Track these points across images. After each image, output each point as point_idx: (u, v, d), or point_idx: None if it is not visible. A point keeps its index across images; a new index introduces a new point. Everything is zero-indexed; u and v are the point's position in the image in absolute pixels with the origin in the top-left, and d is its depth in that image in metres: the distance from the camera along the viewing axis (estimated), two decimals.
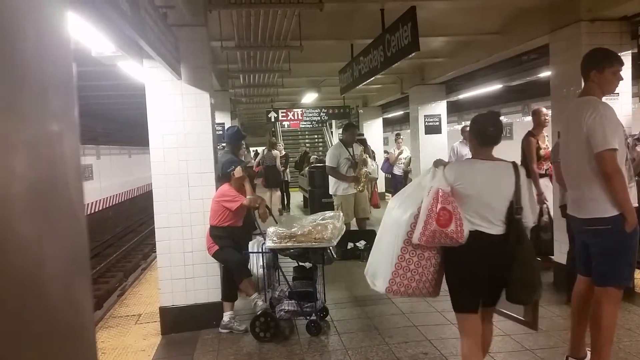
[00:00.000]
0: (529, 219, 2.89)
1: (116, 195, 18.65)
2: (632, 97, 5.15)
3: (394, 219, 2.99)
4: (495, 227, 2.81)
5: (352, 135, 7.22)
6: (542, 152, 5.79)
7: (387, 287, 2.95)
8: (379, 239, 3.14)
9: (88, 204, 15.19)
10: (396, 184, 11.63)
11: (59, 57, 0.65)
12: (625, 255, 3.10)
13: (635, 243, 3.16)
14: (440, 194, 2.76)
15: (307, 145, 18.43)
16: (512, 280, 2.77)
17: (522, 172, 2.92)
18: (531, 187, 5.82)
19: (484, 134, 2.95)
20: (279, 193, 12.21)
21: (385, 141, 16.66)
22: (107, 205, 17.39)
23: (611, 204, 3.03)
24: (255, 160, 12.53)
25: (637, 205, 3.23)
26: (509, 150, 10.53)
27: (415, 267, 2.90)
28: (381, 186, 13.92)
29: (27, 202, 0.56)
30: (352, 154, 7.02)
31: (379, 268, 3.03)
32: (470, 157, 3.05)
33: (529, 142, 5.84)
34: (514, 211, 2.80)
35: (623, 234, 3.04)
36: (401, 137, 12.25)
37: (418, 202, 2.87)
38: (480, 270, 2.83)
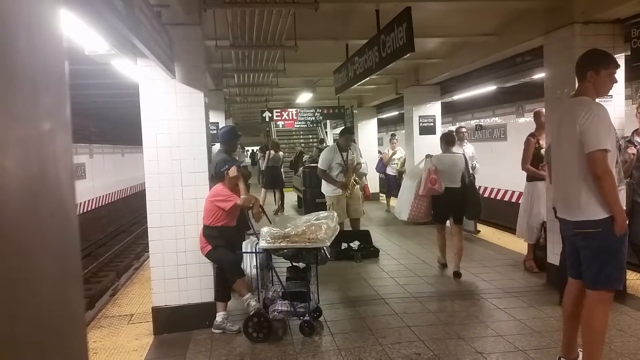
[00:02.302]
0: (473, 179, 5.99)
1: (109, 194, 18.56)
2: (625, 99, 5.19)
3: (408, 184, 6.16)
4: (456, 184, 5.87)
5: (348, 141, 7.21)
6: (542, 151, 5.83)
7: (408, 217, 6.09)
8: (400, 195, 6.38)
9: (81, 203, 15.10)
10: (389, 183, 11.67)
11: (51, 55, 0.64)
12: (615, 258, 3.11)
13: (625, 245, 3.17)
14: (431, 170, 5.82)
15: (302, 145, 18.42)
16: (467, 207, 5.88)
17: (467, 158, 6.14)
18: (535, 190, 5.92)
19: (446, 141, 6.14)
20: (279, 194, 12.28)
21: (380, 141, 16.69)
22: (100, 205, 17.31)
23: (601, 207, 3.03)
24: (264, 161, 12.52)
25: (625, 208, 3.25)
26: (503, 149, 10.60)
27: (420, 206, 5.96)
28: (375, 186, 13.94)
29: (18, 201, 0.56)
30: (344, 159, 7.07)
31: (402, 208, 6.16)
32: (447, 152, 6.08)
33: (527, 142, 5.97)
34: (464, 176, 5.86)
35: (613, 236, 3.04)
36: (396, 137, 12.28)
37: (419, 175, 5.95)
38: (448, 203, 5.88)
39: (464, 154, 6.12)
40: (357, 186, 7.24)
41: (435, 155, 6.03)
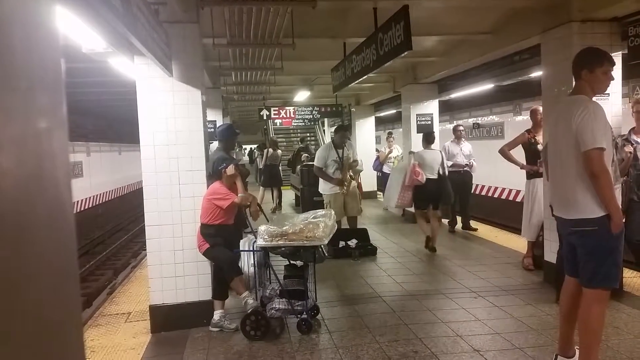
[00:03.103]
0: (447, 171, 7.18)
1: (106, 192, 18.53)
2: (622, 97, 5.20)
3: (396, 177, 7.35)
4: (434, 175, 7.01)
5: (343, 138, 7.29)
6: (539, 147, 5.86)
7: (395, 204, 7.34)
8: (388, 186, 7.52)
9: (78, 201, 15.08)
10: (386, 181, 11.69)
11: (47, 53, 0.64)
12: (611, 256, 3.11)
13: (622, 243, 3.17)
14: (415, 164, 6.92)
15: (300, 143, 18.43)
16: (441, 195, 7.04)
17: (443, 154, 7.39)
18: (534, 187, 6.02)
19: (427, 139, 7.28)
20: (277, 192, 12.28)
21: (377, 139, 16.69)
22: (97, 203, 17.28)
23: (598, 205, 3.04)
24: (262, 160, 12.52)
25: (622, 206, 3.26)
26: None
27: (405, 195, 7.10)
28: (372, 184, 13.95)
29: (14, 199, 0.56)
30: (340, 156, 7.11)
31: (391, 197, 7.34)
32: (427, 149, 7.31)
33: (521, 134, 6.18)
34: (441, 169, 7.07)
35: (609, 235, 3.05)
36: (392, 136, 12.28)
37: (405, 169, 7.13)
38: (428, 192, 6.98)
39: (440, 151, 7.44)
40: (354, 182, 7.30)
41: (418, 152, 7.23)
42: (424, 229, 7.39)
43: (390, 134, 12.63)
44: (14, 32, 0.56)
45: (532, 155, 6.01)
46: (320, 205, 7.49)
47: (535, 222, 6.00)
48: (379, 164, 11.94)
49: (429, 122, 9.91)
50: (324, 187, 7.28)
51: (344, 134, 7.39)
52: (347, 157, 7.13)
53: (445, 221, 8.80)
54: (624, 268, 5.03)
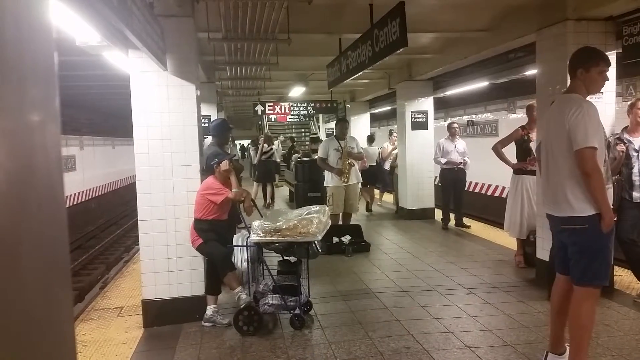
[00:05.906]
0: (381, 162, 11.23)
1: (99, 186, 18.44)
2: (616, 96, 5.22)
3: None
4: (374, 164, 11.05)
5: (343, 129, 7.71)
6: (532, 144, 5.87)
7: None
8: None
9: (71, 195, 15.00)
10: (384, 177, 11.67)
11: (40, 46, 0.64)
12: (602, 254, 3.13)
13: (612, 242, 3.20)
14: (365, 157, 9.33)
15: (295, 138, 18.36)
16: (377, 176, 11.24)
17: (380, 151, 11.31)
18: (520, 183, 6.03)
19: (369, 139, 11.63)
20: (270, 188, 12.25)
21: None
22: (90, 197, 17.20)
23: (589, 203, 3.06)
24: (257, 155, 12.47)
25: (613, 205, 3.27)
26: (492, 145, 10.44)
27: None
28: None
29: (4, 191, 0.55)
30: (342, 146, 7.48)
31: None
32: (369, 146, 11.36)
33: (514, 130, 6.18)
34: (378, 159, 11.17)
35: (600, 233, 3.07)
36: (394, 133, 12.27)
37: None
38: (370, 174, 10.72)
39: (378, 148, 11.27)
40: (354, 169, 7.58)
41: (365, 147, 10.25)
42: (365, 197, 10.71)
43: (392, 131, 12.64)
44: (6, 25, 0.55)
45: (523, 152, 6.03)
46: (314, 201, 7.61)
47: (521, 220, 6.02)
48: (380, 160, 11.93)
49: (424, 119, 9.91)
50: (328, 179, 7.65)
51: (343, 125, 7.85)
52: (347, 146, 7.44)
53: (439, 218, 9.17)
54: (614, 266, 5.06)
